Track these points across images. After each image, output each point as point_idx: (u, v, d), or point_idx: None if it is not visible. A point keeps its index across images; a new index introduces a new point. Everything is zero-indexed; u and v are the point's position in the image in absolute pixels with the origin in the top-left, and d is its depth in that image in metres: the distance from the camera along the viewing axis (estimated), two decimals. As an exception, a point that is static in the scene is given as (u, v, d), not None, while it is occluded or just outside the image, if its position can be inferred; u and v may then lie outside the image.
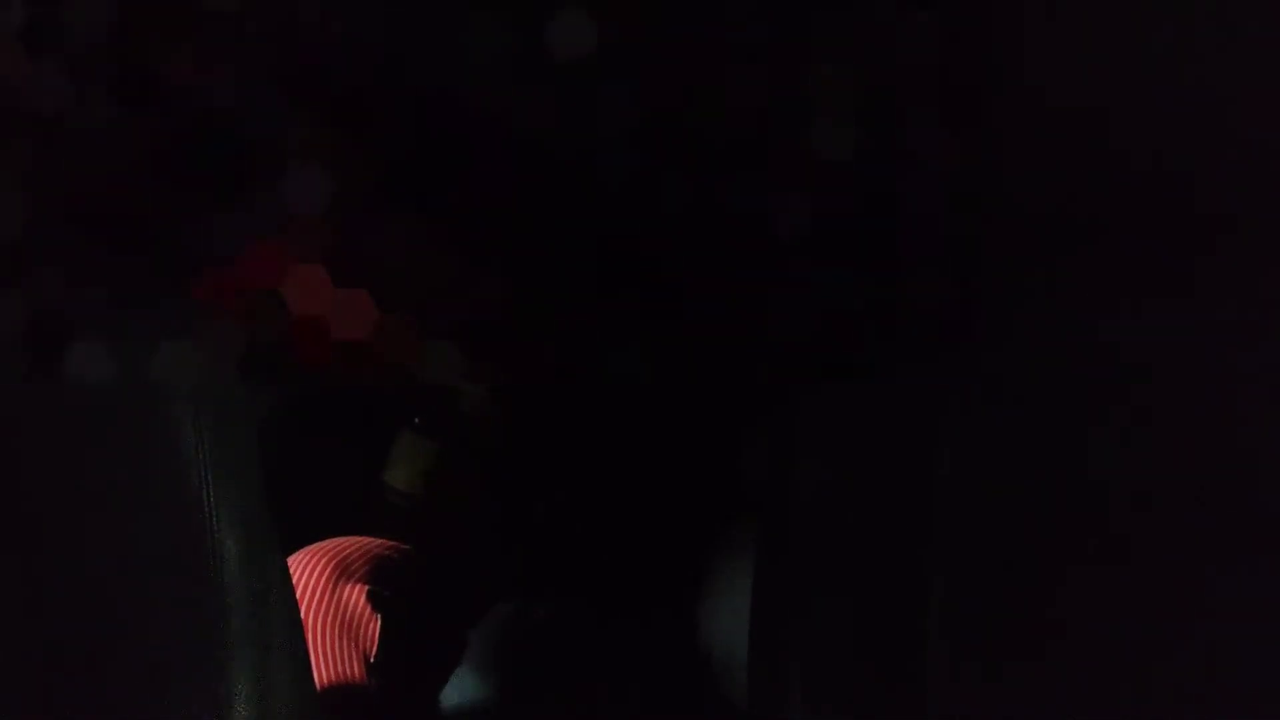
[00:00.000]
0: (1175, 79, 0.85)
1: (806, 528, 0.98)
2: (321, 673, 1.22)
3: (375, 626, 1.26)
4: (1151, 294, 0.85)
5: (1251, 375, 0.83)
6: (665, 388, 1.33)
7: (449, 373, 1.36)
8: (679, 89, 1.07)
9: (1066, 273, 0.87)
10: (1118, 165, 0.86)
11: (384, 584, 1.29)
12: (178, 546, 0.91)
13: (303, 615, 1.20)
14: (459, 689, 1.42)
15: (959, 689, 0.90)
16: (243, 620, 0.92)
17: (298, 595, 1.18)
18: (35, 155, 0.93)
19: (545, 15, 1.05)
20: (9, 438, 0.89)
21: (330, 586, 1.25)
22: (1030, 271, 0.88)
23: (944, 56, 0.92)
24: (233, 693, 0.91)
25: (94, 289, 0.93)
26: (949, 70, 0.91)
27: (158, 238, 0.96)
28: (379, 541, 1.34)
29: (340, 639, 1.24)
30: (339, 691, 1.22)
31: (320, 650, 1.23)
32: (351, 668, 1.24)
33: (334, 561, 1.27)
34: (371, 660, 1.25)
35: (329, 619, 1.24)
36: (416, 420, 1.37)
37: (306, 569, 1.26)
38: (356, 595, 1.26)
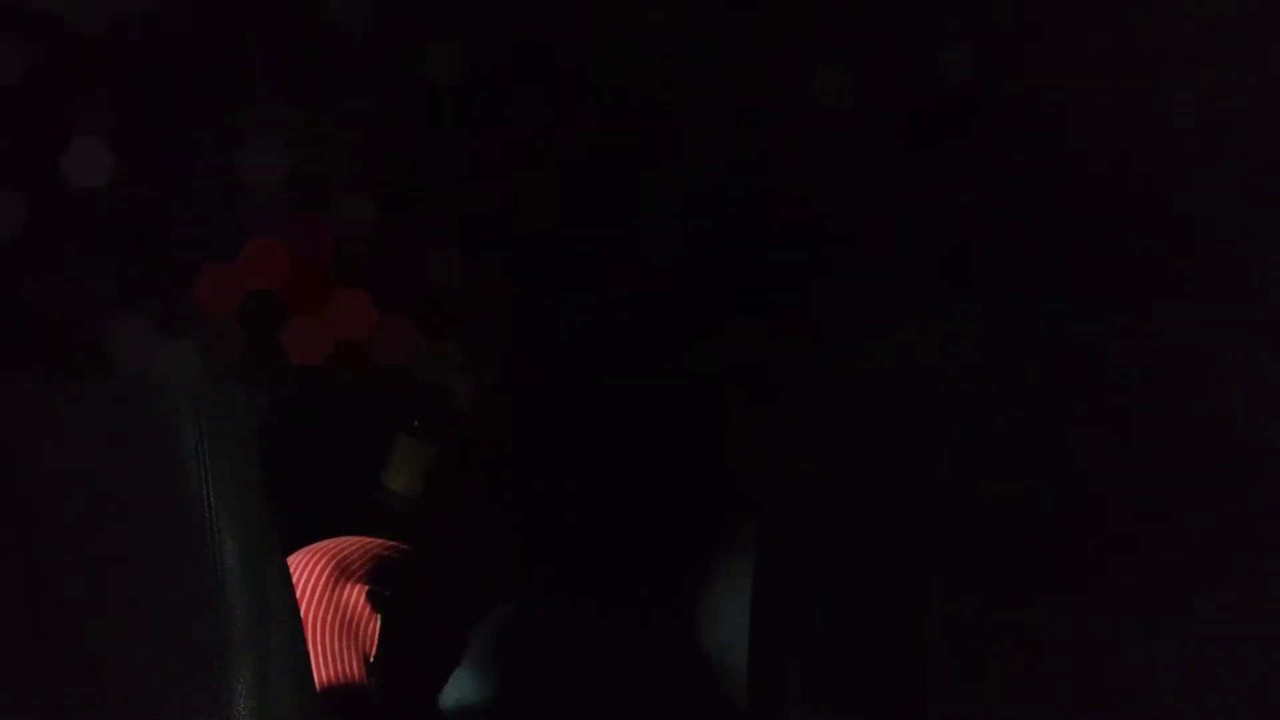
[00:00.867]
0: (1174, 80, 0.85)
1: (806, 527, 0.98)
2: (321, 673, 1.22)
3: (375, 626, 1.26)
4: (1151, 294, 0.85)
5: (1252, 375, 0.83)
6: (665, 388, 1.33)
7: (449, 373, 1.36)
8: (678, 89, 1.07)
9: (1067, 273, 0.87)
10: (1119, 166, 0.86)
11: (383, 584, 1.29)
12: (178, 546, 0.91)
13: (302, 615, 1.20)
14: (459, 689, 1.42)
15: (959, 689, 0.90)
16: (243, 620, 0.92)
17: (297, 595, 1.19)
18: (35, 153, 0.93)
19: (545, 15, 1.05)
20: (8, 438, 0.89)
21: (329, 586, 1.25)
22: (1030, 272, 0.88)
23: (942, 56, 0.92)
24: (233, 693, 0.91)
25: (94, 289, 0.93)
26: (946, 71, 0.91)
27: (157, 237, 0.96)
28: (379, 541, 1.34)
29: (340, 639, 1.24)
30: (339, 691, 1.22)
31: (320, 650, 1.23)
32: (351, 668, 1.24)
33: (333, 561, 1.27)
34: (371, 660, 1.25)
35: (328, 619, 1.24)
36: (416, 423, 1.37)
37: (306, 569, 1.26)
38: (356, 595, 1.26)
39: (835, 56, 0.97)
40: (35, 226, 0.92)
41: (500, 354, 1.29)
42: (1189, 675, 0.84)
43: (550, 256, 1.21)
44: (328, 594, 1.24)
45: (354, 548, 1.30)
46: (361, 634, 1.24)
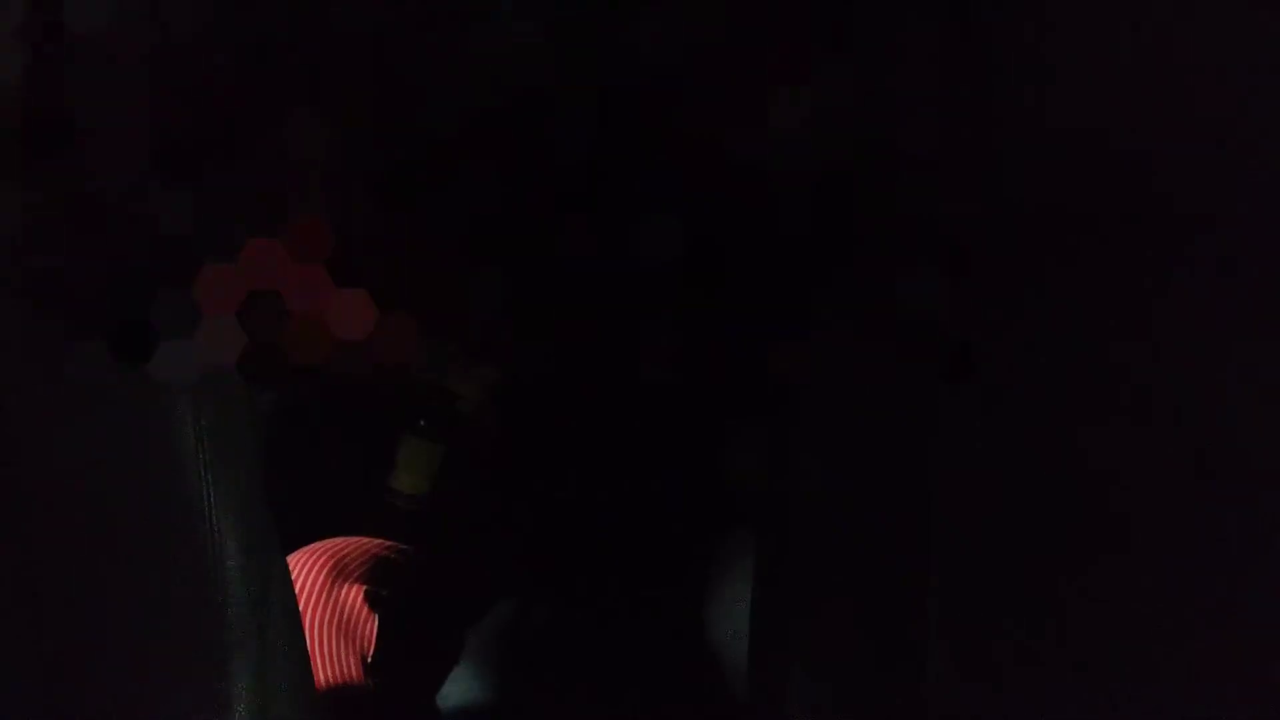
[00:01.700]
0: (1171, 81, 0.85)
1: (806, 527, 0.98)
2: (319, 673, 1.22)
3: (373, 626, 1.26)
4: (1151, 294, 0.85)
5: (1252, 375, 0.83)
6: (666, 388, 1.33)
7: (450, 373, 1.36)
8: (679, 87, 1.07)
9: (1066, 273, 0.87)
10: (1120, 165, 0.86)
11: (382, 584, 1.29)
12: (177, 546, 0.91)
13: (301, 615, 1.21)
14: (458, 689, 1.42)
15: (959, 689, 0.90)
16: (243, 620, 0.92)
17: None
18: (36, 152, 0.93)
19: (544, 14, 1.05)
20: (9, 437, 0.89)
21: (328, 586, 1.25)
22: (1030, 272, 0.88)
23: (939, 56, 0.92)
24: (233, 693, 0.91)
25: (93, 288, 0.93)
26: (944, 71, 0.91)
27: (157, 237, 0.96)
28: (378, 541, 1.34)
29: (338, 639, 1.24)
30: (338, 691, 1.22)
31: (319, 650, 1.23)
32: (350, 668, 1.24)
33: (332, 561, 1.27)
34: (369, 660, 1.25)
35: (327, 619, 1.24)
36: (421, 423, 1.37)
37: (304, 569, 1.26)
38: (354, 595, 1.26)
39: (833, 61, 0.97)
40: (36, 226, 0.92)
41: (500, 354, 1.29)
42: (1189, 675, 0.84)
43: (550, 256, 1.21)
44: (326, 594, 1.24)
45: (352, 548, 1.30)
46: (360, 634, 1.24)
